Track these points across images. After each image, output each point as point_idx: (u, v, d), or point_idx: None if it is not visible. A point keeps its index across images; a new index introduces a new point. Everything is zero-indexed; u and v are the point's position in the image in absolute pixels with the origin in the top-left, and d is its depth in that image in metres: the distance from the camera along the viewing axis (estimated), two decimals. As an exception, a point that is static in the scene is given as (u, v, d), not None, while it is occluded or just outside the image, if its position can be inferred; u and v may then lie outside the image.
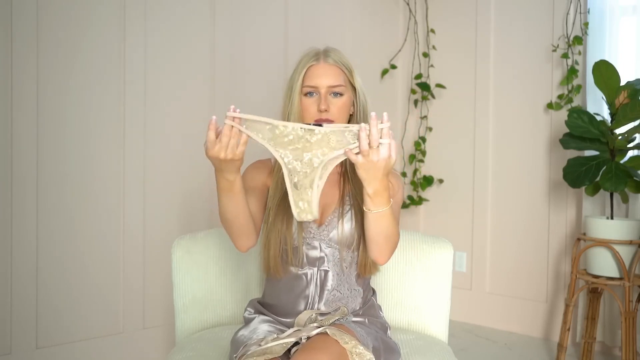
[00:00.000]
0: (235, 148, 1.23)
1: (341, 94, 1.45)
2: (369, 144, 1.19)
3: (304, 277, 1.47)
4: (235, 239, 1.42)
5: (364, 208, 1.31)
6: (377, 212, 1.29)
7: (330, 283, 1.46)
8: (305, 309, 1.46)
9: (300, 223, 1.45)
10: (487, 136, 3.39)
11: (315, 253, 1.46)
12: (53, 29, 2.31)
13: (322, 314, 1.44)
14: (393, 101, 3.72)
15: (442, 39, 3.59)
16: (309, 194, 1.25)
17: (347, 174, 1.49)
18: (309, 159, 1.24)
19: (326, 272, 1.46)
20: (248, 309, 1.56)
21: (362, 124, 1.20)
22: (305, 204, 1.26)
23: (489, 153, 3.39)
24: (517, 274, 3.28)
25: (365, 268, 1.48)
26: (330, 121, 1.42)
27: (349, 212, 1.46)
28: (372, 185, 1.25)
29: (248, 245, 1.44)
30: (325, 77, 1.44)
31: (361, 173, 1.23)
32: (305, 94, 1.45)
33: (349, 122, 1.49)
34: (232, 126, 1.22)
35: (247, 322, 1.51)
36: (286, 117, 1.47)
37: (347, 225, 1.45)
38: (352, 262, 1.48)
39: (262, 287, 1.74)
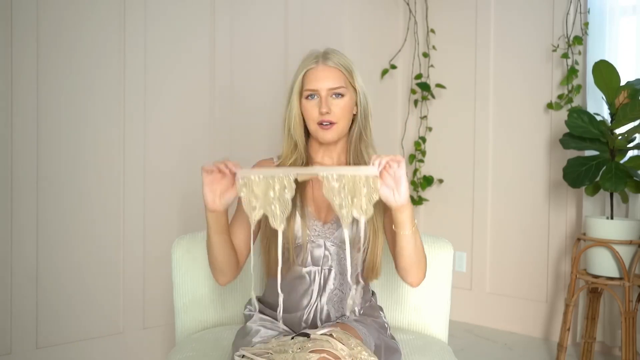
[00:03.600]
0: (217, 195, 1.29)
1: (342, 95, 1.44)
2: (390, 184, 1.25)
3: (307, 276, 1.47)
4: (215, 273, 1.46)
5: (401, 232, 1.33)
6: (414, 228, 1.33)
7: (332, 282, 1.46)
8: (306, 307, 1.46)
9: (305, 221, 1.44)
10: (487, 136, 3.40)
11: (319, 251, 1.46)
12: (53, 28, 2.31)
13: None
14: (393, 101, 3.72)
15: (442, 39, 3.59)
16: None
17: None
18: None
19: (329, 270, 1.46)
20: (248, 306, 1.56)
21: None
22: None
23: (489, 153, 3.39)
24: (517, 274, 3.28)
25: (372, 272, 1.48)
26: (332, 123, 1.42)
27: None
28: (406, 208, 1.29)
29: (226, 281, 1.47)
30: (324, 80, 1.43)
31: (393, 205, 1.28)
32: (306, 98, 1.45)
33: (352, 123, 1.50)
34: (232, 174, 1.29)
35: (247, 319, 1.51)
36: (286, 121, 1.48)
37: (355, 224, 1.43)
38: (356, 261, 1.48)
39: (262, 287, 1.74)
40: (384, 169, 1.25)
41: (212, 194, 1.30)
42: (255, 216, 1.27)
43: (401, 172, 1.24)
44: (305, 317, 1.46)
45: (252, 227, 1.30)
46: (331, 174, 1.25)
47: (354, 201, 1.25)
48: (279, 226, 1.27)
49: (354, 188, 1.25)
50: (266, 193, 1.27)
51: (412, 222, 1.32)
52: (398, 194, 1.25)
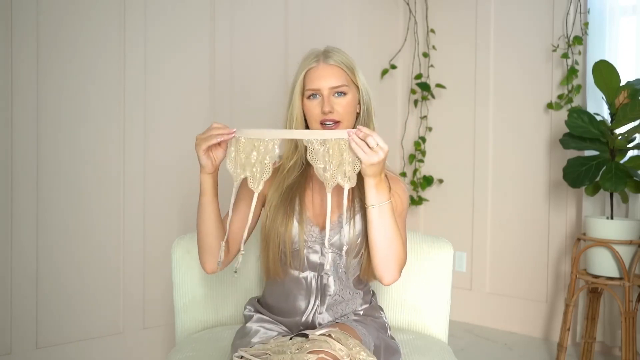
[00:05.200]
0: (210, 141, 1.32)
1: (345, 93, 1.42)
2: (364, 149, 1.26)
3: (303, 280, 1.46)
4: (202, 255, 1.44)
5: (367, 204, 1.32)
6: (382, 205, 1.32)
7: (332, 288, 1.46)
8: (305, 311, 1.45)
9: (302, 226, 1.42)
10: (487, 136, 3.39)
11: (316, 257, 1.45)
12: (53, 28, 2.31)
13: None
14: (393, 101, 3.72)
15: (442, 39, 3.59)
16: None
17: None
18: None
19: (327, 276, 1.46)
20: (247, 307, 1.55)
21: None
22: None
23: (489, 153, 3.39)
24: (517, 274, 3.28)
25: (369, 273, 1.46)
26: (337, 122, 1.41)
27: (355, 217, 1.44)
28: (374, 176, 1.30)
29: (213, 267, 1.44)
30: (326, 79, 1.41)
31: (366, 169, 1.28)
32: (308, 97, 1.43)
33: (355, 121, 1.48)
34: (227, 134, 1.33)
35: (247, 320, 1.51)
36: (287, 122, 1.47)
37: (352, 231, 1.43)
38: (353, 267, 1.47)
39: (262, 287, 1.74)
40: (354, 137, 1.27)
41: (210, 159, 1.35)
42: (237, 175, 1.34)
43: (371, 140, 1.26)
44: (304, 320, 1.46)
45: (236, 183, 1.35)
46: (315, 139, 1.29)
47: (338, 168, 1.29)
48: (257, 188, 1.33)
49: (339, 154, 1.28)
50: (249, 155, 1.32)
51: (379, 196, 1.32)
52: (369, 160, 1.26)
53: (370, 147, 1.25)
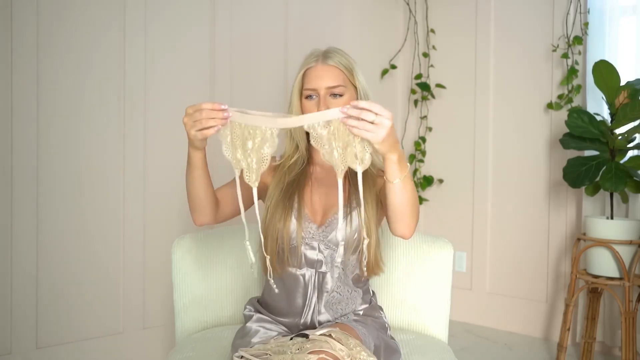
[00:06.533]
0: (199, 125, 1.21)
1: (341, 95, 1.43)
2: (370, 122, 1.13)
3: (301, 277, 1.46)
4: (192, 211, 1.41)
5: (390, 180, 1.22)
6: (404, 176, 1.22)
7: (329, 285, 1.46)
8: (303, 309, 1.46)
9: (300, 223, 1.43)
10: (487, 136, 3.39)
11: (313, 254, 1.45)
12: (53, 28, 2.31)
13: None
14: (393, 101, 3.72)
15: (442, 39, 3.59)
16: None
17: (349, 176, 1.46)
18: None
19: (324, 274, 1.46)
20: (247, 306, 1.56)
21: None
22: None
23: (489, 153, 3.39)
24: (517, 274, 3.28)
25: (371, 269, 1.46)
26: None
27: (352, 214, 1.44)
28: (393, 151, 1.18)
29: (202, 222, 1.42)
30: (322, 79, 1.42)
31: (380, 148, 1.16)
32: (306, 97, 1.44)
33: None
34: (220, 111, 1.21)
35: (247, 319, 1.51)
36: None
37: (349, 228, 1.43)
38: (352, 264, 1.48)
39: (262, 286, 1.74)
40: (349, 117, 1.14)
41: (200, 134, 1.23)
42: (238, 162, 1.23)
43: (368, 115, 1.13)
44: (303, 320, 1.46)
45: (237, 171, 1.25)
46: (317, 122, 1.18)
47: (347, 149, 1.17)
48: (253, 182, 1.23)
49: (346, 134, 1.16)
50: (245, 143, 1.22)
51: (401, 169, 1.21)
52: (377, 138, 1.13)
53: (372, 122, 1.12)
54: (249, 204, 1.39)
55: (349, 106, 1.13)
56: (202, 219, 1.42)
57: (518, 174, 3.28)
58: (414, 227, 1.33)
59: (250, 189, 1.26)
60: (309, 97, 1.44)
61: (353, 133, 1.14)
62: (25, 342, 2.25)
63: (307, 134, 1.50)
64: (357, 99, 1.47)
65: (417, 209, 1.31)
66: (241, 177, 1.27)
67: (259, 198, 1.33)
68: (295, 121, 1.21)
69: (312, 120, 1.19)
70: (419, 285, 1.75)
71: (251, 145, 1.22)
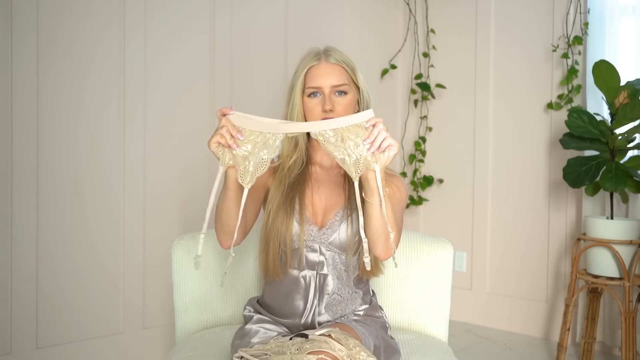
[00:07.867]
0: (229, 135, 1.25)
1: (345, 93, 1.43)
2: (378, 147, 1.22)
3: (302, 279, 1.46)
4: (220, 234, 1.42)
5: (372, 200, 1.28)
6: (385, 196, 1.27)
7: (330, 287, 1.46)
8: (303, 311, 1.45)
9: (302, 225, 1.43)
10: (487, 136, 3.39)
11: (314, 256, 1.45)
12: (53, 27, 2.31)
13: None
14: (393, 101, 3.72)
15: (442, 39, 3.59)
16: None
17: (349, 178, 1.47)
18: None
19: (325, 276, 1.45)
20: (247, 307, 1.55)
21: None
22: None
23: (489, 153, 3.39)
24: (517, 274, 3.28)
25: (371, 270, 1.46)
26: None
27: (353, 215, 1.44)
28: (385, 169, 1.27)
29: (230, 244, 1.41)
30: (327, 77, 1.42)
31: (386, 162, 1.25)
32: (309, 95, 1.43)
33: None
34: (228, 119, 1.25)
35: (247, 320, 1.51)
36: (287, 119, 1.46)
37: (350, 229, 1.43)
38: (353, 265, 1.47)
39: (261, 287, 1.74)
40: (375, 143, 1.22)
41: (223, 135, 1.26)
42: (224, 159, 1.25)
43: (387, 142, 1.22)
44: (303, 321, 1.46)
45: (222, 167, 1.27)
46: (324, 130, 1.22)
47: (358, 149, 1.21)
48: (247, 185, 1.26)
49: (355, 136, 1.21)
50: (245, 145, 1.24)
51: (383, 188, 1.26)
52: (388, 159, 1.24)
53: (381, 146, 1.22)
54: (257, 206, 1.45)
55: (371, 126, 1.22)
56: (231, 242, 1.39)
57: (518, 174, 3.28)
58: (390, 249, 1.36)
59: (262, 196, 1.34)
60: (311, 95, 1.43)
61: (383, 146, 1.21)
62: (25, 342, 2.25)
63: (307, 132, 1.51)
64: (360, 97, 1.48)
65: (396, 231, 1.35)
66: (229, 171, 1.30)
67: (258, 199, 1.34)
68: (306, 126, 1.25)
69: (326, 126, 1.22)
70: (419, 285, 1.75)
71: (250, 149, 1.24)
